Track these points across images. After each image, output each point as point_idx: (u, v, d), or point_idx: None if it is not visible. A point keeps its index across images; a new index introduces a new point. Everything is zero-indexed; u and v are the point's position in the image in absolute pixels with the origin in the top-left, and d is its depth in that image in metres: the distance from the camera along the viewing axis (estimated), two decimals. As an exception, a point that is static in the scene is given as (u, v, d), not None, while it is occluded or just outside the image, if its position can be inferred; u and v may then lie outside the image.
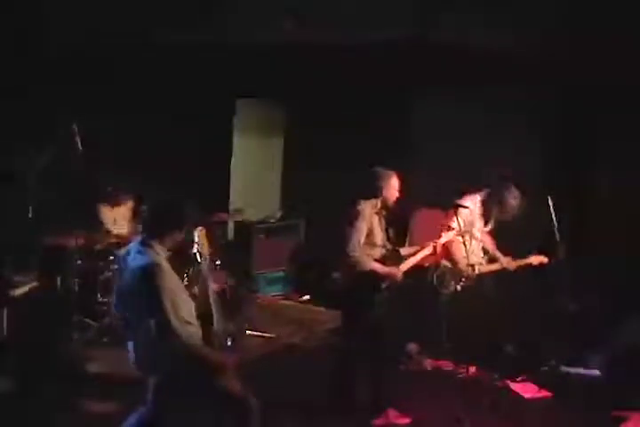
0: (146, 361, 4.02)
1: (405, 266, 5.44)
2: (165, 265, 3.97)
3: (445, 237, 5.62)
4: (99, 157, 6.34)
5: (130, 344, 4.07)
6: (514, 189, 6.05)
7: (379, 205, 5.36)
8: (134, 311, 3.99)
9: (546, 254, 6.15)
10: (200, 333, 4.05)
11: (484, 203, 6.13)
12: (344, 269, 5.36)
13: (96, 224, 6.64)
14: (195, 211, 4.18)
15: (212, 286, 4.28)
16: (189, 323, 3.99)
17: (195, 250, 4.57)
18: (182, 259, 4.55)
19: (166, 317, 3.84)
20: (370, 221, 5.28)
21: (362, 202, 5.30)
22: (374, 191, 5.34)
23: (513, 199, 6.03)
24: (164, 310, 3.83)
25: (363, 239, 5.23)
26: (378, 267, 5.28)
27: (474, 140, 7.48)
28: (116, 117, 7.08)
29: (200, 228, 4.39)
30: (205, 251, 4.39)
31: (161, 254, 4.00)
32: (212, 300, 4.20)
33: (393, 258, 5.41)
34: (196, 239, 4.40)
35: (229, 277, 7.00)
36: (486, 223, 6.20)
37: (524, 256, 6.18)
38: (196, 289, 4.42)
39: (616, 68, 6.45)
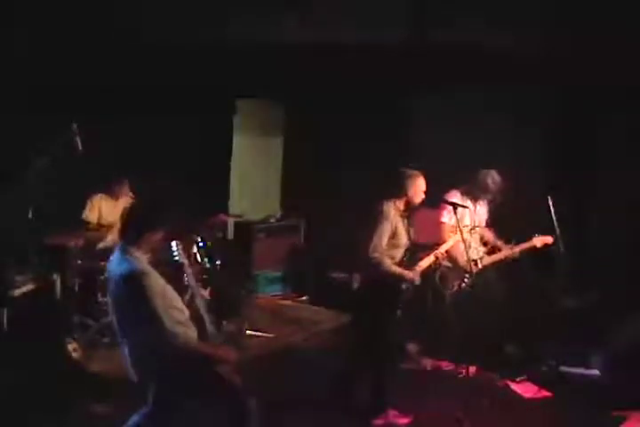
0: (142, 365, 4.01)
1: (419, 269, 5.38)
2: (149, 269, 3.96)
3: (451, 241, 5.58)
4: (98, 157, 6.34)
5: (125, 350, 4.06)
6: (489, 171, 6.07)
7: (402, 205, 5.30)
8: (126, 317, 3.99)
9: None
10: (195, 334, 4.05)
11: (464, 193, 6.12)
12: (363, 269, 5.35)
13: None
14: (171, 211, 4.15)
15: (200, 293, 4.26)
16: (183, 324, 4.00)
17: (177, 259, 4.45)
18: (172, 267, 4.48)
19: (160, 320, 3.84)
20: (394, 222, 5.22)
21: (386, 202, 5.25)
22: (399, 191, 5.28)
23: (490, 180, 6.04)
24: (156, 314, 3.84)
25: (386, 240, 5.19)
26: (396, 269, 5.24)
27: (474, 140, 7.47)
28: (116, 117, 7.08)
29: (176, 242, 4.29)
30: (186, 263, 4.32)
31: (142, 259, 3.98)
32: (200, 307, 4.19)
33: (412, 259, 5.36)
34: (175, 253, 4.30)
35: (229, 277, 7.00)
36: (476, 209, 6.19)
37: (528, 240, 6.15)
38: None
39: (617, 67, 6.45)
